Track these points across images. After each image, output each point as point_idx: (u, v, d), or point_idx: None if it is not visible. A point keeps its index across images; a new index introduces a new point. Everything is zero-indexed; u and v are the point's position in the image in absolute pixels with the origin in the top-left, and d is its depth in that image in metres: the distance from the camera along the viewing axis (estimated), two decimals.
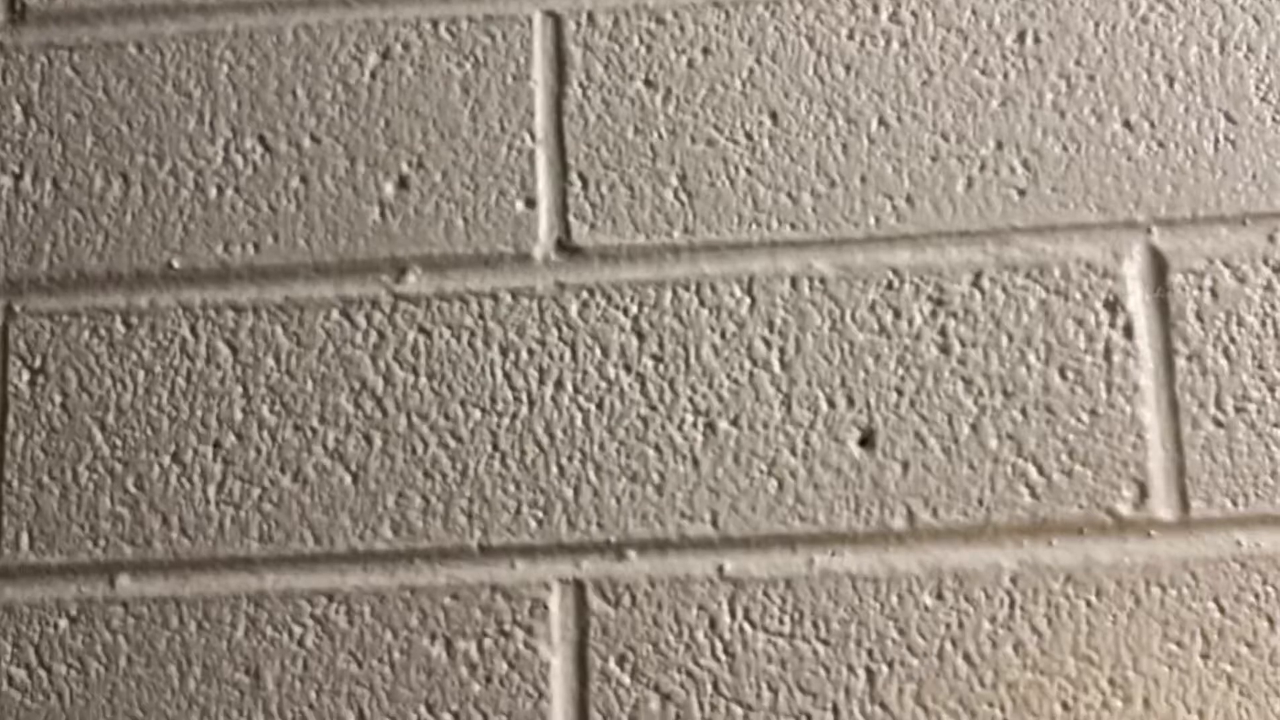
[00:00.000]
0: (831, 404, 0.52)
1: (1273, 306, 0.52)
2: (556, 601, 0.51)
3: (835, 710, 0.49)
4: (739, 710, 0.50)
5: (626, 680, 0.50)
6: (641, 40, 0.56)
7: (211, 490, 0.52)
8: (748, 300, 0.53)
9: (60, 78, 0.57)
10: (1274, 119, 0.53)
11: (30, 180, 0.56)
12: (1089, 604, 0.50)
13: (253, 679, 0.51)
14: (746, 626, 0.50)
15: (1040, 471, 0.51)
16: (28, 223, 0.55)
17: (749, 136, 0.54)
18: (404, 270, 0.54)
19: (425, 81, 0.56)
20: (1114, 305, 0.52)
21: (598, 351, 0.53)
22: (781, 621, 0.50)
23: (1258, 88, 0.54)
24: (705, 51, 0.55)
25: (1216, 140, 0.53)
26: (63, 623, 0.51)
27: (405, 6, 0.56)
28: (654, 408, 0.52)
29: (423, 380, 0.53)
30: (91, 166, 0.56)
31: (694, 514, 0.51)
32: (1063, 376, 0.51)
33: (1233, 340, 0.51)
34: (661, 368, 0.52)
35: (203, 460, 0.53)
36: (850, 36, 0.55)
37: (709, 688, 0.50)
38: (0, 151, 0.56)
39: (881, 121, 0.54)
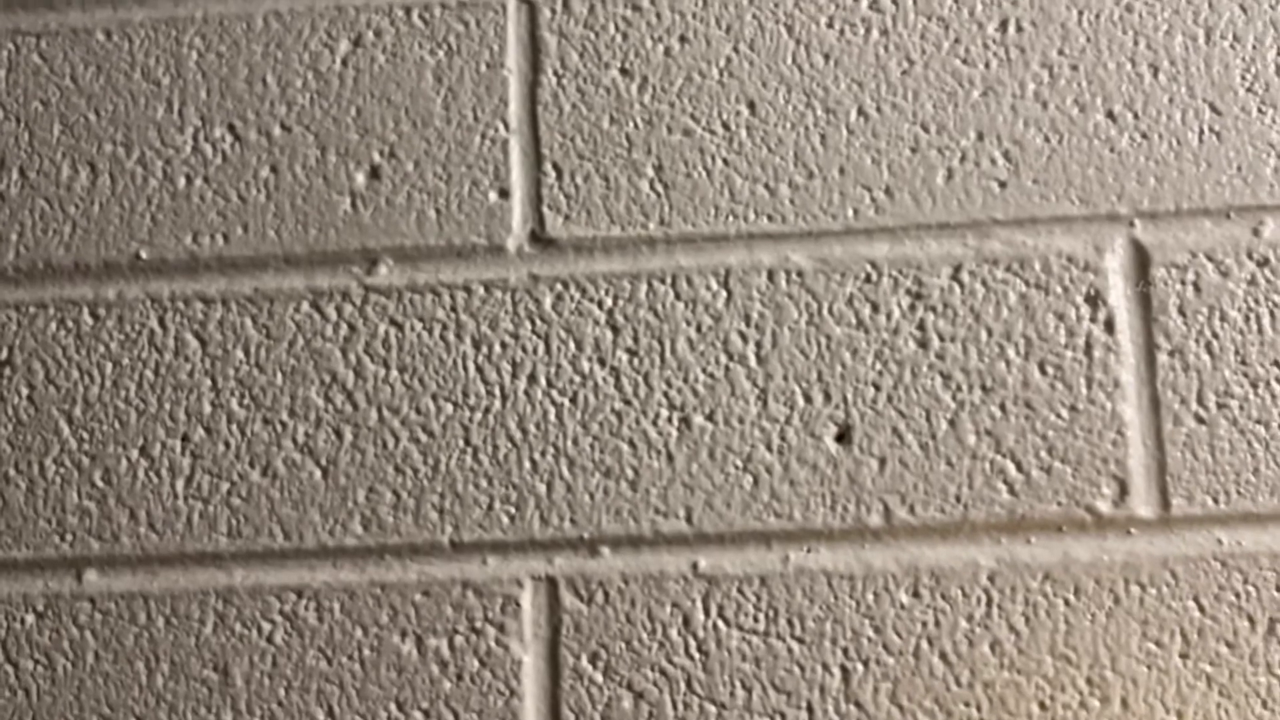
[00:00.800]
0: (808, 399, 0.51)
1: (1256, 301, 0.51)
2: (529, 598, 0.50)
3: (810, 709, 0.49)
4: (712, 709, 0.49)
5: (599, 678, 0.49)
6: (618, 28, 0.55)
7: (180, 485, 0.52)
8: (724, 293, 0.52)
9: (27, 64, 0.56)
10: (1259, 110, 0.52)
11: None
12: (1067, 602, 0.49)
13: (221, 676, 0.50)
14: (721, 624, 0.50)
15: (1019, 468, 0.50)
16: None
17: (726, 127, 0.54)
18: (375, 262, 0.53)
19: (397, 69, 0.55)
20: (1095, 299, 0.51)
21: (572, 345, 0.52)
22: (756, 619, 0.50)
23: (1243, 78, 0.53)
24: (682, 40, 0.54)
25: (1201, 132, 0.52)
26: (29, 618, 0.51)
27: None
28: (628, 402, 0.51)
29: (394, 373, 0.52)
30: (59, 155, 0.55)
31: (668, 510, 0.51)
32: (1042, 372, 0.51)
33: (1215, 335, 0.51)
34: (636, 362, 0.52)
35: (171, 454, 0.52)
36: (829, 25, 0.54)
37: (682, 686, 0.49)
38: None
39: (861, 112, 0.53)
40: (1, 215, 0.54)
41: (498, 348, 0.52)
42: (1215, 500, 0.50)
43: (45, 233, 0.54)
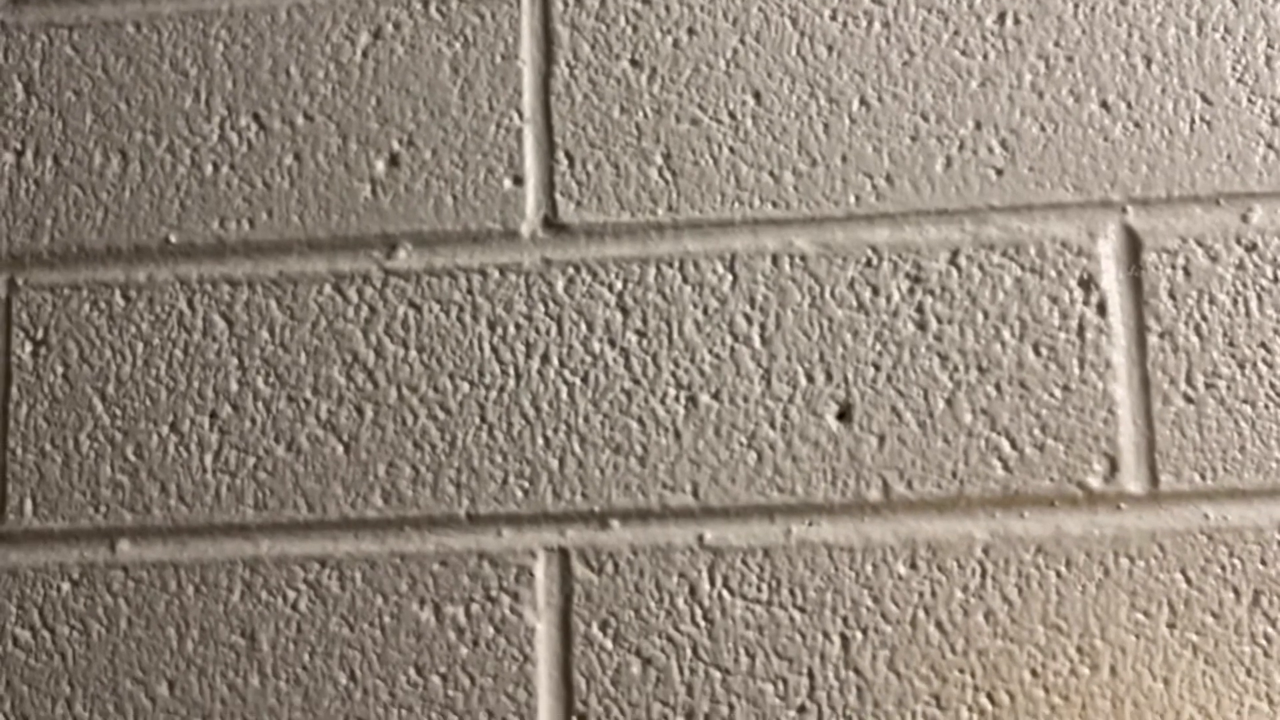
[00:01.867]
0: (810, 379, 0.53)
1: (1244, 285, 0.53)
2: (542, 569, 0.52)
3: (810, 675, 0.51)
4: (717, 674, 0.51)
5: (609, 645, 0.52)
6: (628, 20, 0.56)
7: (208, 459, 0.54)
8: (729, 277, 0.54)
9: (60, 56, 0.58)
10: (1249, 100, 0.54)
11: (31, 157, 0.57)
12: (1059, 574, 0.51)
13: (248, 641, 0.52)
14: (725, 594, 0.52)
15: (1013, 445, 0.52)
16: (29, 198, 0.57)
17: (732, 116, 0.55)
18: (394, 246, 0.55)
19: (416, 61, 0.57)
20: (1088, 283, 0.53)
21: (583, 326, 0.54)
22: (759, 589, 0.52)
23: (1234, 69, 0.54)
24: (690, 32, 0.56)
25: (1192, 121, 0.54)
26: (65, 586, 0.53)
27: None
28: (637, 381, 0.53)
29: (413, 353, 0.54)
30: (91, 143, 0.57)
31: (675, 485, 0.53)
32: (1036, 353, 0.52)
33: (1204, 318, 0.52)
34: (645, 342, 0.54)
35: (200, 430, 0.54)
36: (833, 17, 0.56)
37: (689, 652, 0.51)
38: (2, 128, 0.57)
39: (862, 101, 0.55)
40: (36, 201, 0.57)
41: (512, 329, 0.54)
42: (1202, 477, 0.51)
43: (78, 218, 0.56)
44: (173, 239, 0.56)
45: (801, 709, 0.51)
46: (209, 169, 0.56)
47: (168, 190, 0.56)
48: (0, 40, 0.58)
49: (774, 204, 0.54)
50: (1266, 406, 0.52)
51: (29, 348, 0.55)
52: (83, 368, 0.55)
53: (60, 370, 0.55)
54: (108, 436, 0.54)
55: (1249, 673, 0.50)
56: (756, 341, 0.53)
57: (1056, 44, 0.55)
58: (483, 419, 0.53)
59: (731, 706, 0.51)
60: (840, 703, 0.50)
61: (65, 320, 0.55)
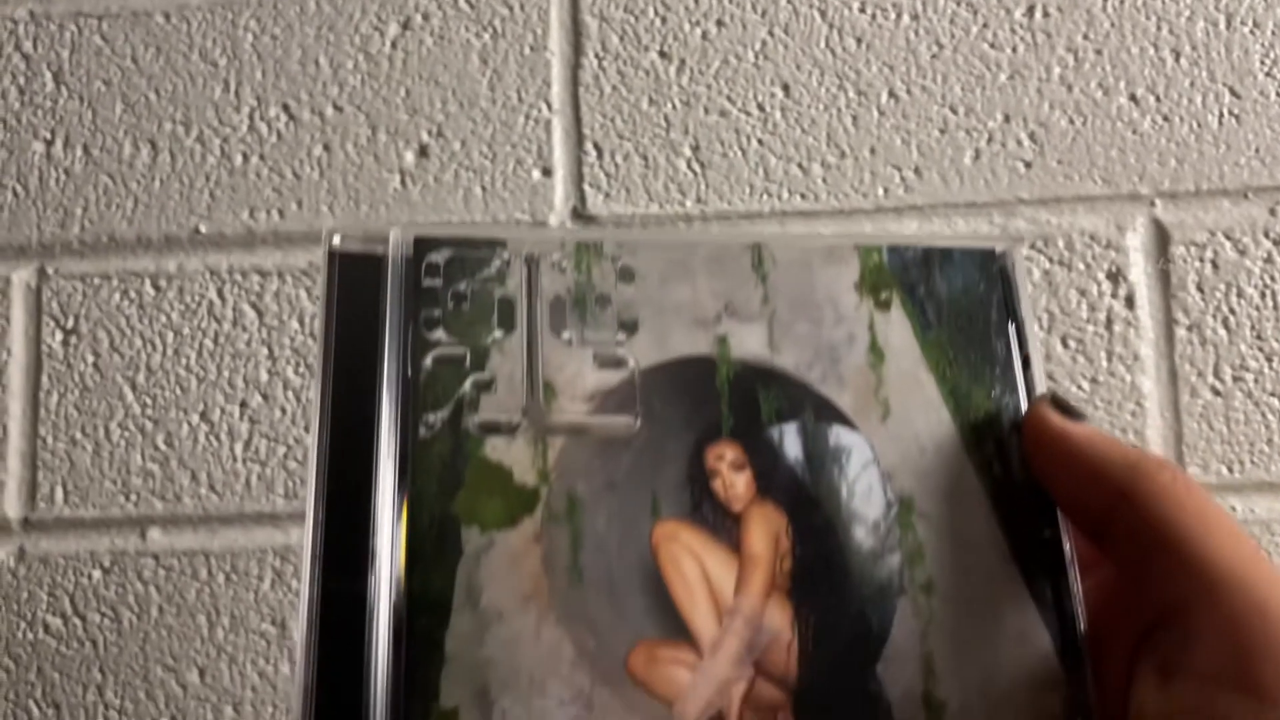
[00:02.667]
0: None
1: (1272, 279, 0.53)
2: None
3: None
4: None
5: None
6: (656, 12, 0.57)
7: (239, 448, 0.54)
8: None
9: (90, 46, 0.58)
10: (1277, 94, 0.54)
11: (61, 146, 0.57)
12: None
13: (279, 629, 0.53)
14: None
15: None
16: (59, 188, 0.57)
17: (761, 108, 0.55)
18: None
19: (445, 52, 0.57)
20: (1116, 276, 0.53)
21: None
22: None
23: (1262, 63, 0.54)
24: (719, 24, 0.56)
25: (1220, 114, 0.54)
26: (96, 574, 0.53)
27: None
28: None
29: None
30: (121, 133, 0.57)
31: None
32: (1065, 345, 0.53)
33: (1232, 311, 0.53)
34: None
35: (230, 419, 0.54)
36: (861, 10, 0.56)
37: None
38: (32, 118, 0.57)
39: (891, 94, 0.55)
40: (66, 191, 0.57)
41: None
42: (1230, 469, 0.51)
43: (109, 208, 0.57)
44: (203, 229, 0.56)
45: None
46: (239, 159, 0.57)
47: (197, 180, 0.56)
48: (30, 30, 0.58)
49: (802, 196, 0.55)
50: None
51: (59, 337, 0.55)
52: (113, 357, 0.55)
53: (91, 359, 0.55)
54: (138, 425, 0.54)
55: None
56: None
57: (1085, 37, 0.55)
58: None
59: None
60: None
61: (95, 309, 0.56)
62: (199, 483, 0.54)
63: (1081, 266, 0.53)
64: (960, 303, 0.31)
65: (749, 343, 0.30)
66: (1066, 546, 0.29)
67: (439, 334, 0.28)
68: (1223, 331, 0.53)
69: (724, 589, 0.27)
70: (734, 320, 0.30)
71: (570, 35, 0.57)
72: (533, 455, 0.28)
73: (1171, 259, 0.53)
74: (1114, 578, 0.29)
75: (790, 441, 0.29)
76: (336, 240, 0.29)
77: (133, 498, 0.54)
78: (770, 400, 0.29)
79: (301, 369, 0.55)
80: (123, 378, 0.55)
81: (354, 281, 0.28)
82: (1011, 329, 0.31)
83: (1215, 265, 0.53)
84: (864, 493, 0.29)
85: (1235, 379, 0.52)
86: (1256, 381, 0.52)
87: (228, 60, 0.58)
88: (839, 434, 0.29)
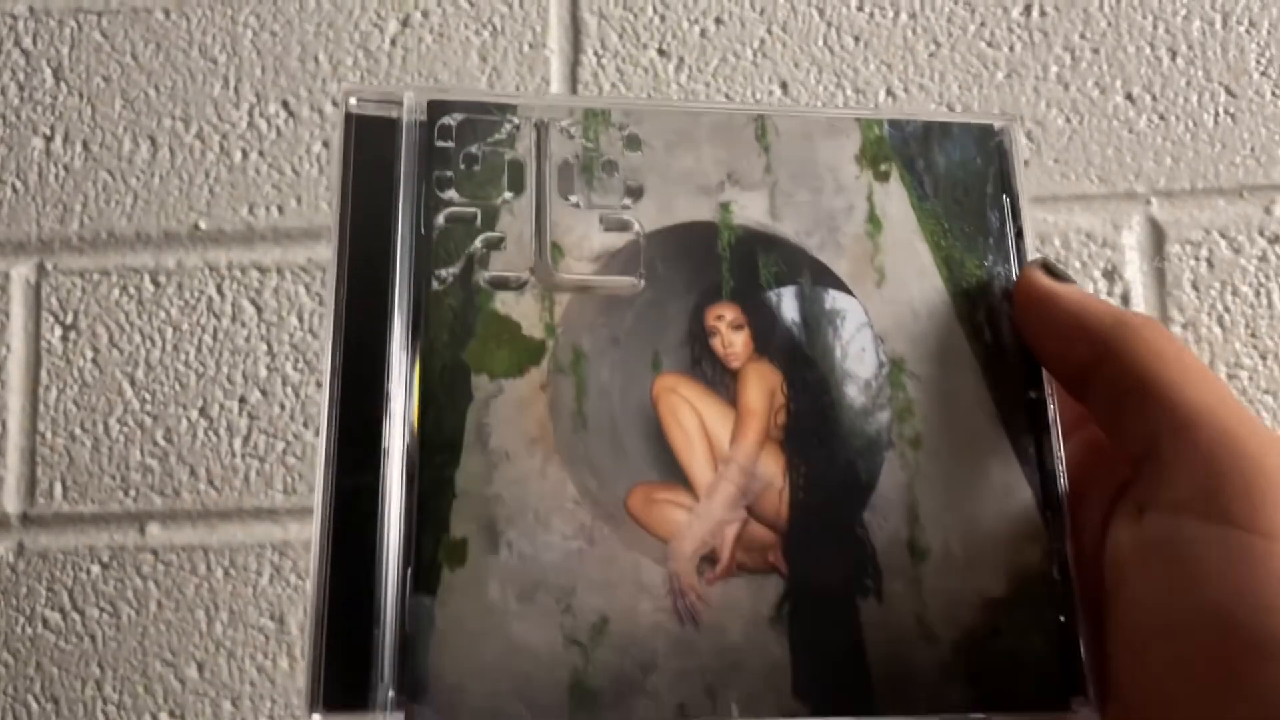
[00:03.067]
0: None
1: (1267, 277, 0.53)
2: None
3: None
4: None
5: None
6: (655, 10, 0.57)
7: (237, 444, 0.54)
8: None
9: (89, 42, 0.58)
10: (1273, 93, 0.54)
11: (60, 142, 0.57)
12: None
13: (278, 624, 0.53)
14: None
15: None
16: (59, 184, 0.57)
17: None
18: None
19: (444, 49, 0.57)
20: (1112, 274, 0.53)
21: None
22: None
23: (1258, 62, 0.55)
24: (718, 21, 0.57)
25: (1216, 114, 0.54)
26: (95, 569, 0.54)
27: None
28: None
29: None
30: (120, 129, 0.57)
31: None
32: None
33: (1227, 309, 0.53)
34: None
35: (229, 415, 0.54)
36: (859, 8, 0.56)
37: None
38: (32, 114, 0.58)
39: (889, 92, 0.56)
40: (66, 187, 0.57)
41: None
42: None
43: (108, 204, 0.57)
44: (202, 225, 0.56)
45: None
46: (238, 156, 0.57)
47: (197, 177, 0.57)
48: (29, 26, 0.58)
49: None
50: None
51: (58, 332, 0.55)
52: (112, 352, 0.55)
53: (90, 355, 0.55)
54: (137, 421, 0.55)
55: None
56: None
57: (1082, 36, 0.55)
58: None
59: None
60: None
61: (95, 305, 0.56)
62: (198, 478, 0.54)
63: (1078, 264, 0.53)
64: (957, 176, 0.32)
65: (750, 210, 0.31)
66: (1051, 407, 0.30)
67: (451, 194, 0.30)
68: (1218, 329, 0.53)
69: (720, 439, 0.29)
70: (736, 188, 0.31)
71: (569, 33, 0.57)
72: (540, 310, 0.29)
73: (1167, 257, 0.53)
74: (1096, 438, 0.30)
75: (788, 304, 0.30)
76: (353, 102, 0.30)
77: (131, 493, 0.54)
78: (769, 265, 0.31)
79: (300, 365, 0.55)
80: (122, 373, 0.55)
81: (369, 143, 0.29)
82: (1006, 202, 0.32)
83: (1210, 263, 0.53)
84: (857, 353, 0.30)
85: (1230, 377, 0.52)
86: (1251, 379, 0.52)
87: (227, 57, 0.58)
88: (835, 298, 0.31)
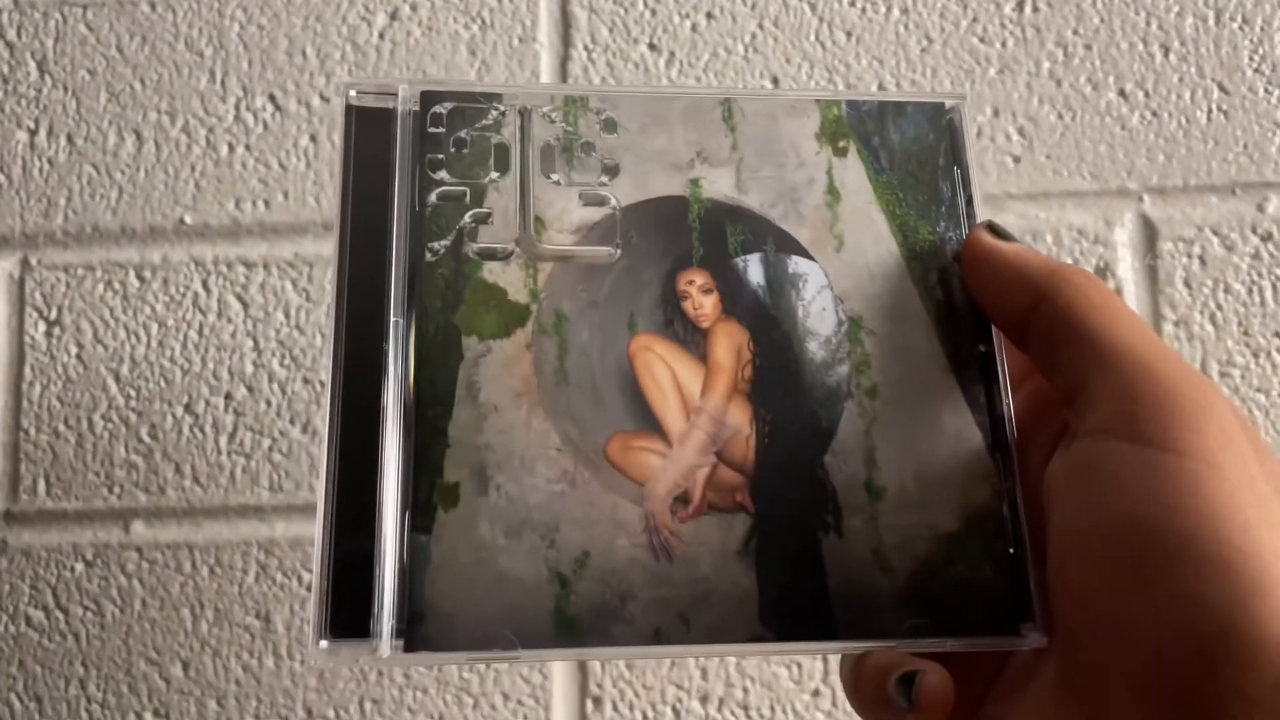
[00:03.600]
0: None
1: (1259, 275, 0.53)
2: None
3: (825, 659, 0.51)
4: (731, 658, 0.51)
5: None
6: (646, 5, 0.56)
7: (223, 441, 0.54)
8: None
9: (74, 34, 0.58)
10: (1265, 90, 0.54)
11: (45, 136, 0.57)
12: None
13: (263, 622, 0.52)
14: None
15: None
16: (43, 177, 0.56)
17: None
18: None
19: (433, 43, 0.57)
20: (1104, 271, 0.53)
21: None
22: None
23: (1251, 59, 0.55)
24: (709, 16, 0.56)
25: (1209, 111, 0.54)
26: (79, 566, 0.53)
27: None
28: None
29: None
30: (105, 123, 0.57)
31: None
32: None
33: (1219, 307, 0.53)
34: None
35: (215, 411, 0.54)
36: (851, 3, 0.56)
37: None
38: (16, 107, 0.57)
39: (881, 88, 0.55)
40: (50, 181, 0.56)
41: None
42: None
43: (93, 198, 0.56)
44: (188, 220, 0.56)
45: (815, 693, 0.51)
46: (224, 150, 0.56)
47: (183, 171, 0.56)
48: (14, 18, 0.58)
49: None
50: None
51: (42, 327, 0.55)
52: (96, 348, 0.55)
53: (74, 350, 0.55)
54: (122, 417, 0.54)
55: None
56: None
57: (1075, 32, 0.55)
58: None
59: (745, 690, 0.51)
60: None
61: (79, 300, 0.55)
62: (183, 475, 0.54)
63: (1069, 261, 0.53)
64: (910, 150, 0.35)
65: (719, 184, 0.34)
66: (999, 359, 0.33)
67: (442, 174, 0.33)
68: (1210, 327, 0.53)
69: (691, 392, 0.32)
70: (705, 165, 0.34)
71: (559, 27, 0.57)
72: (524, 277, 0.32)
73: (1159, 254, 0.53)
74: (1040, 389, 0.32)
75: (753, 270, 0.33)
76: (352, 94, 0.33)
77: (116, 490, 0.54)
78: (736, 234, 0.34)
79: (287, 361, 0.54)
80: (106, 369, 0.55)
81: (368, 131, 0.33)
82: (957, 173, 0.34)
83: (1203, 261, 0.53)
84: (818, 312, 0.33)
85: (1222, 374, 0.52)
86: (1243, 377, 0.52)
87: (214, 50, 0.57)
88: (797, 263, 0.33)
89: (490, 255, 0.32)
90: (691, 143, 0.34)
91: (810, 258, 0.33)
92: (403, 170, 0.32)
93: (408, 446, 0.30)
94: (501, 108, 0.34)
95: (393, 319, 0.31)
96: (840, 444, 0.32)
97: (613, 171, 0.34)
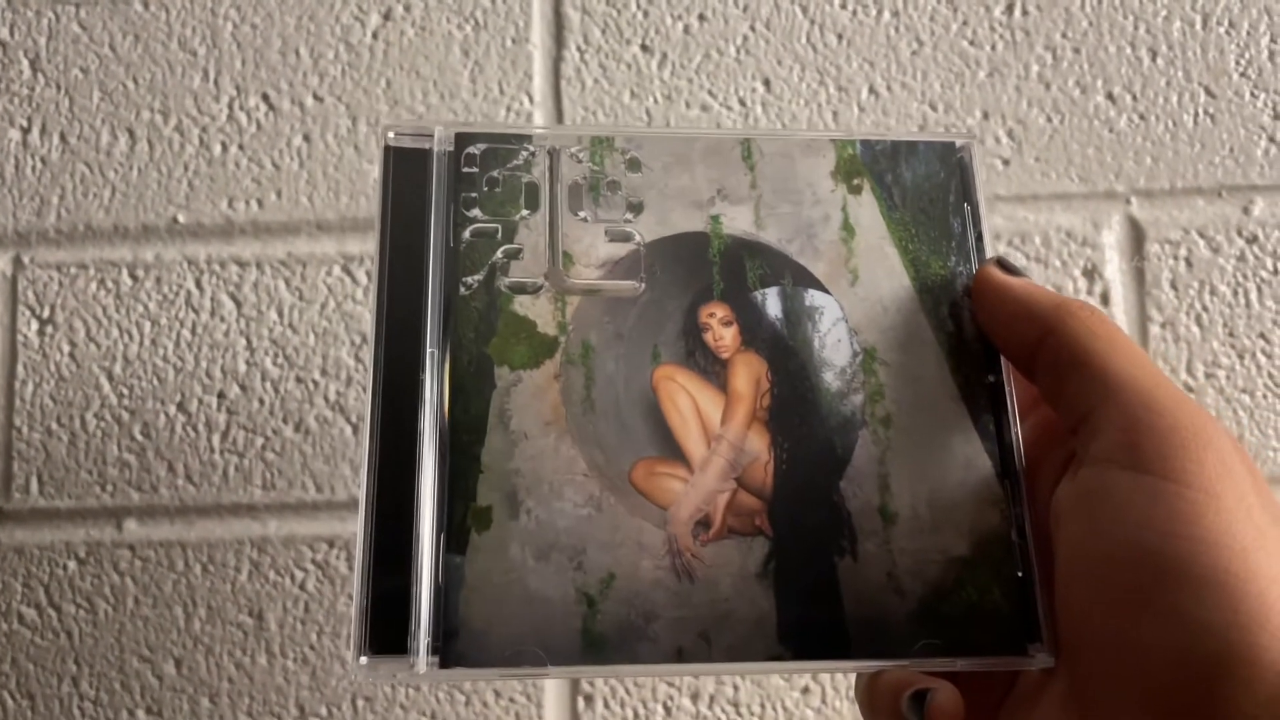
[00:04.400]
0: None
1: (1245, 277, 0.53)
2: None
3: None
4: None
5: None
6: (639, 6, 0.57)
7: (216, 439, 0.54)
8: None
9: (67, 33, 0.58)
10: (1251, 94, 0.55)
11: (38, 134, 0.57)
12: None
13: (256, 620, 0.53)
14: None
15: None
16: (36, 176, 0.56)
17: (742, 102, 0.56)
18: None
19: (426, 43, 0.57)
20: (1092, 273, 0.54)
21: None
22: None
23: (1237, 63, 0.55)
24: (701, 18, 0.56)
25: (1196, 114, 0.55)
26: (71, 564, 0.53)
27: None
28: None
29: None
30: (98, 122, 0.57)
31: None
32: None
33: (1205, 309, 0.53)
34: None
35: (208, 410, 0.54)
36: (842, 6, 0.56)
37: None
38: (9, 105, 0.57)
39: (871, 90, 0.56)
40: (43, 179, 0.56)
41: None
42: None
43: (85, 196, 0.56)
44: (181, 219, 0.56)
45: (805, 690, 0.51)
46: (217, 149, 0.56)
47: (176, 170, 0.56)
48: (6, 17, 0.58)
49: None
50: (1265, 396, 0.52)
51: (35, 326, 0.55)
52: (89, 346, 0.55)
53: (66, 349, 0.55)
54: (114, 416, 0.54)
55: None
56: None
57: (1064, 35, 0.56)
58: None
59: (736, 687, 0.51)
60: (844, 684, 0.51)
61: (72, 299, 0.55)
62: (176, 474, 0.54)
63: (1058, 263, 0.54)
64: (923, 188, 0.36)
65: (738, 221, 0.35)
66: (1008, 389, 0.34)
67: (475, 212, 0.34)
68: (1196, 329, 0.53)
69: (712, 420, 0.33)
70: (725, 202, 0.35)
71: (552, 28, 0.57)
72: (553, 310, 0.34)
73: (1146, 256, 0.54)
74: (1048, 418, 0.34)
75: (771, 302, 0.34)
76: (391, 136, 0.35)
77: (109, 488, 0.54)
78: (755, 268, 0.35)
79: (280, 360, 0.54)
80: (99, 368, 0.55)
81: (405, 170, 0.34)
82: (967, 210, 0.36)
83: (1189, 263, 0.54)
84: (833, 343, 0.34)
85: (1208, 375, 0.53)
86: (1228, 379, 0.53)
87: (207, 49, 0.57)
88: (813, 296, 0.35)
89: (521, 289, 0.34)
90: (712, 180, 0.36)
91: (826, 291, 0.35)
92: (438, 208, 0.34)
93: (443, 472, 0.31)
94: (531, 148, 0.35)
95: (429, 350, 0.32)
96: (855, 470, 0.33)
97: (637, 209, 0.35)
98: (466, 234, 0.34)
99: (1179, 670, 0.26)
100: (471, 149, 0.35)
